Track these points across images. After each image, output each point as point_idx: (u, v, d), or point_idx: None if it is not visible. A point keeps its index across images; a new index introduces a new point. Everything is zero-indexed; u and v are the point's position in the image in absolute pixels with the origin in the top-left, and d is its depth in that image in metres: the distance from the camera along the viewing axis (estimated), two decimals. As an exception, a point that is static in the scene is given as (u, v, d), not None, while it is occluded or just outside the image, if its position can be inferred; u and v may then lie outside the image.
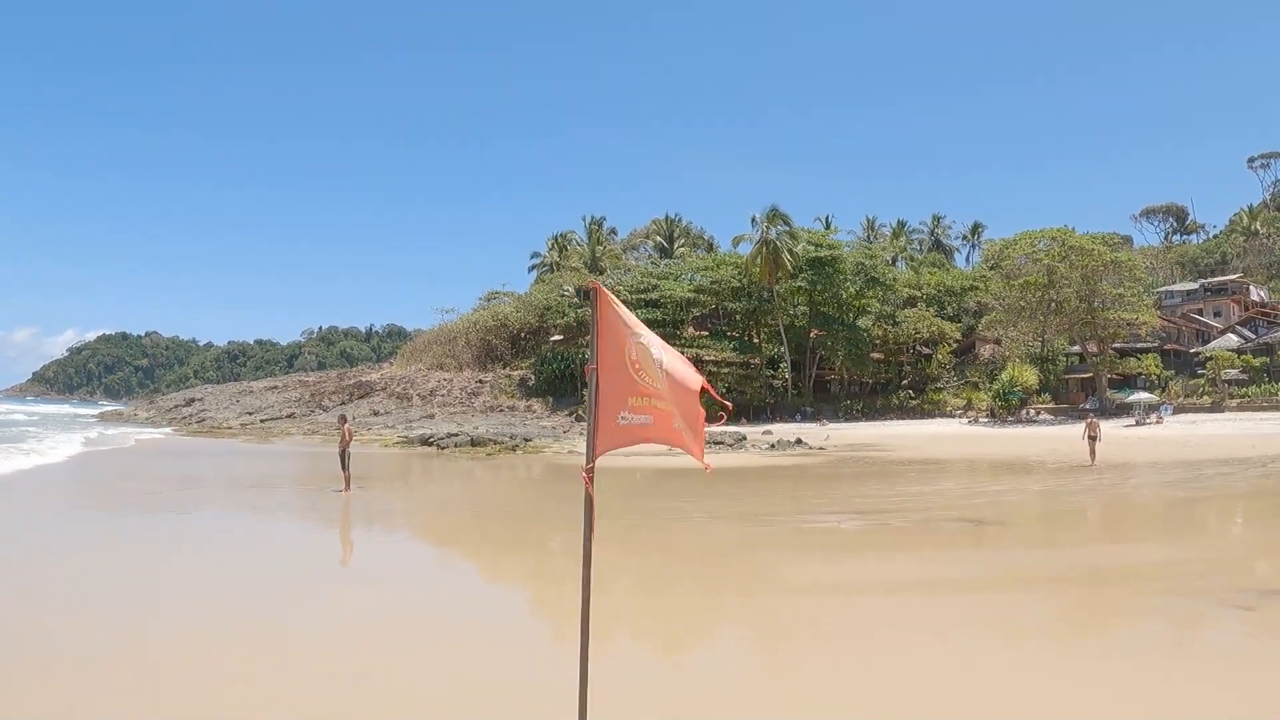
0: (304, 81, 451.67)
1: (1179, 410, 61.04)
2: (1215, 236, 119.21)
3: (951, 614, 9.55)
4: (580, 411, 74.24)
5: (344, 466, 22.29)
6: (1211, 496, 22.16)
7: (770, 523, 16.93)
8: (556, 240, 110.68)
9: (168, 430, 67.75)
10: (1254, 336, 73.93)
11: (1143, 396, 61.86)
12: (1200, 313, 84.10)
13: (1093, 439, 33.30)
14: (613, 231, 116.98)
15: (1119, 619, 9.54)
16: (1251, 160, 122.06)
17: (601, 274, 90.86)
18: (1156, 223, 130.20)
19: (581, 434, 59.13)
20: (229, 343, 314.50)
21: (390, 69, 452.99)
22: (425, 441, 47.51)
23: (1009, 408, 68.57)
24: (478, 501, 23.58)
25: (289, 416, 78.95)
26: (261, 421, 75.53)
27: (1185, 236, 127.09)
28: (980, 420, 68.91)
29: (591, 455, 4.71)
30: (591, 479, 4.65)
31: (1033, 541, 15.20)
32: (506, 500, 24.30)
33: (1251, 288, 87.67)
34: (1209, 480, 25.36)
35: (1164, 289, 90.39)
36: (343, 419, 24.56)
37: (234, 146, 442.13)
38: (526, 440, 47.09)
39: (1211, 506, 20.69)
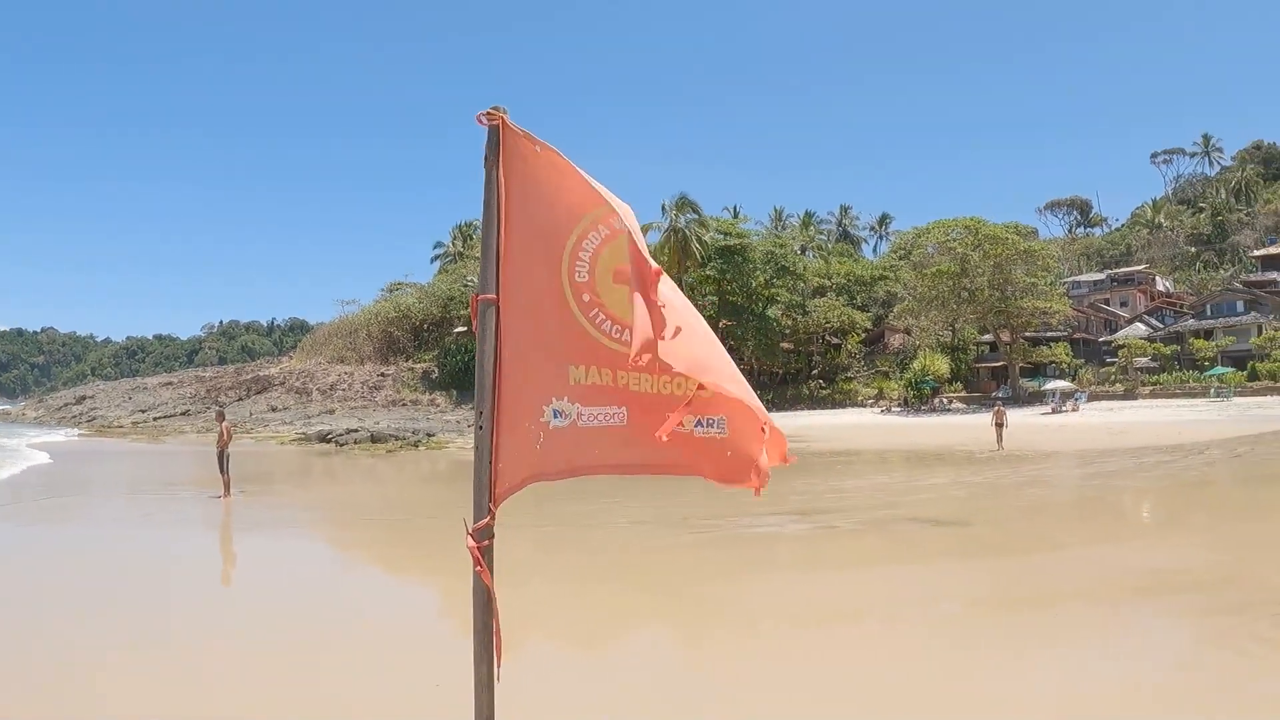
0: (205, 76, 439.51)
1: (1092, 398, 61.30)
2: (1119, 229, 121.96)
3: (1001, 641, 7.68)
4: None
5: (223, 469, 19.91)
6: (1169, 487, 20.91)
7: (707, 528, 14.94)
8: (460, 230, 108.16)
9: (59, 433, 62.88)
10: (1161, 326, 75.24)
11: (1060, 384, 62.03)
12: (1107, 302, 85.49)
13: (999, 425, 33.78)
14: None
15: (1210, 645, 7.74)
16: (1155, 155, 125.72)
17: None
18: (1061, 215, 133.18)
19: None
20: (127, 338, 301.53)
21: (288, 60, 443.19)
22: (324, 438, 45.71)
23: (921, 397, 68.49)
24: (374, 504, 21.23)
25: (183, 414, 75.95)
26: (155, 420, 72.76)
27: (1089, 229, 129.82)
28: (893, 410, 68.64)
29: (487, 502, 2.21)
30: (484, 558, 2.23)
31: (1014, 545, 13.07)
32: (409, 501, 21.99)
33: (1157, 279, 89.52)
34: (1153, 469, 24.26)
35: (1071, 279, 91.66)
36: (220, 415, 21.99)
37: (133, 140, 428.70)
38: (429, 435, 45.18)
39: (1179, 498, 19.29)
